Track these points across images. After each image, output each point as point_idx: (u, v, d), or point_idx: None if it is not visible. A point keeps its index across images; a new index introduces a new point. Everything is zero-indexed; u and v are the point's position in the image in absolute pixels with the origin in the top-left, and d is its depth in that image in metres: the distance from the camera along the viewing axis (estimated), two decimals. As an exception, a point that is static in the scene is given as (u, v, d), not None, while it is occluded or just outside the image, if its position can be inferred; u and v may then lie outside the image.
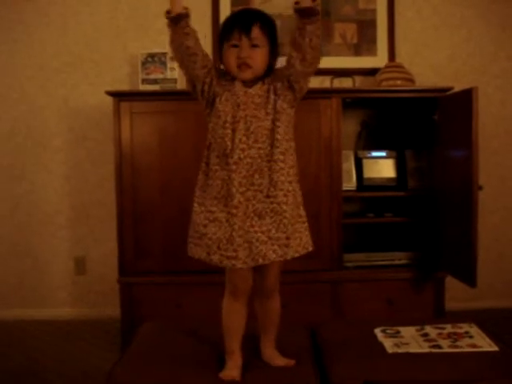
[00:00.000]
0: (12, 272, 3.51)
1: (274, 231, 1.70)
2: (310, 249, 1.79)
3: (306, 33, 1.62)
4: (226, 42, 1.74)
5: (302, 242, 1.76)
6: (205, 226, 1.73)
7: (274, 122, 1.71)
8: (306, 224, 1.80)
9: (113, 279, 3.02)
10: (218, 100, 1.74)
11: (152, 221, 2.95)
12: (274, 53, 1.77)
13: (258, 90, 1.73)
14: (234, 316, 1.82)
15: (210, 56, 3.48)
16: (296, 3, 1.60)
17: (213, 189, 1.73)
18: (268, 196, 1.70)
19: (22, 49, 3.43)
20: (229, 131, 1.70)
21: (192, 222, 1.79)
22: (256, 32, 1.70)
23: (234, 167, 1.68)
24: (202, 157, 1.78)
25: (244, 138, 1.69)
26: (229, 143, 1.69)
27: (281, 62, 1.78)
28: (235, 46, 1.72)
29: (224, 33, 1.75)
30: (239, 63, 1.71)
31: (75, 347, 3.01)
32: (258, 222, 1.69)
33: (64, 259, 3.51)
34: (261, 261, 1.69)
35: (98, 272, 3.49)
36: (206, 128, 1.79)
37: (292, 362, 1.83)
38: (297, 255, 1.75)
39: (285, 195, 1.72)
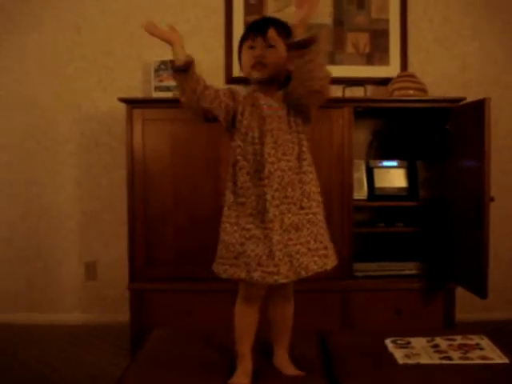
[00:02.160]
0: (22, 276, 3.53)
1: (312, 242, 1.70)
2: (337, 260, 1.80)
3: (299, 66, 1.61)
4: (244, 45, 1.77)
5: (334, 252, 1.78)
6: (241, 244, 1.70)
7: (298, 134, 1.73)
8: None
9: (123, 285, 3.04)
10: (240, 116, 1.75)
11: (163, 227, 2.96)
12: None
13: (280, 102, 1.74)
14: (246, 320, 1.81)
15: (222, 67, 3.47)
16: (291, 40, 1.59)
17: (246, 206, 1.71)
18: (302, 207, 1.70)
19: (35, 55, 3.46)
20: (258, 146, 1.70)
21: (223, 242, 1.75)
22: (272, 33, 1.71)
23: (266, 181, 1.67)
24: (228, 175, 1.76)
25: (273, 151, 1.69)
26: (259, 158, 1.69)
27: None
28: (252, 47, 1.74)
29: (242, 38, 1.79)
30: (254, 63, 1.73)
31: (85, 352, 3.02)
32: (295, 235, 1.69)
33: (74, 264, 3.53)
34: (303, 273, 1.68)
35: (109, 277, 3.50)
36: (225, 145, 1.78)
37: (302, 375, 1.81)
38: (334, 264, 1.75)
39: (317, 206, 1.74)
